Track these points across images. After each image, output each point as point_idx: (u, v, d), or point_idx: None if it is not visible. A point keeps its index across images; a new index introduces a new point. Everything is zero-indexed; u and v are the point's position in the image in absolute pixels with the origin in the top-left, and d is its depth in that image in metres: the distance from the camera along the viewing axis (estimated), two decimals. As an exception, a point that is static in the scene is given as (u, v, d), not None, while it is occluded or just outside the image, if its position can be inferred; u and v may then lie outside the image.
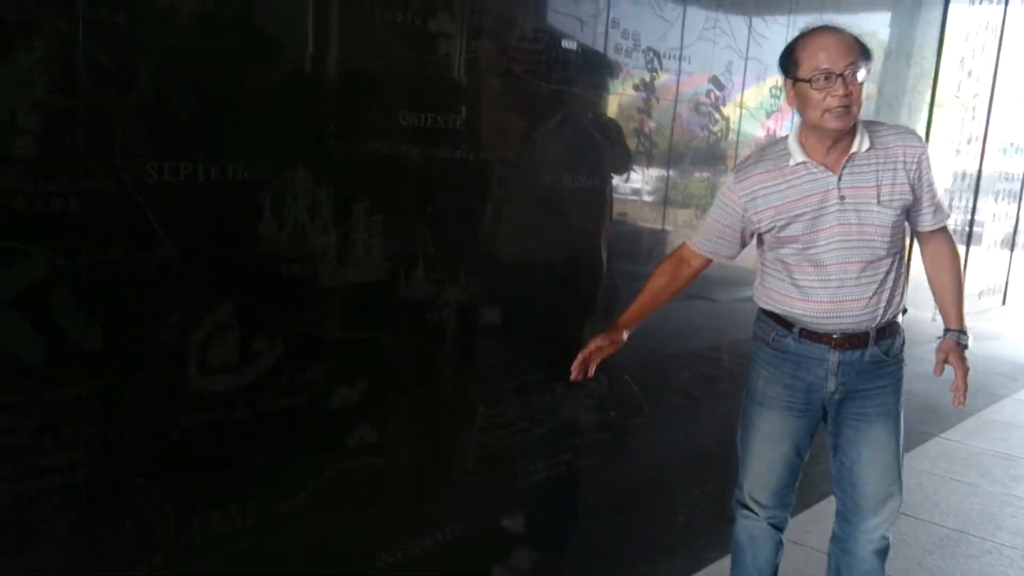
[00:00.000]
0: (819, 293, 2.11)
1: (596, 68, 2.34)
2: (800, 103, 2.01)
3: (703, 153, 2.76)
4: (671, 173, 2.68)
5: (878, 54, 3.60)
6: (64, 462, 1.47)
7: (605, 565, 2.72)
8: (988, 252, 5.17)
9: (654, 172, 2.63)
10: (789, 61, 2.01)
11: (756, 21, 2.83)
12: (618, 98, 2.44)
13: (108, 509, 1.54)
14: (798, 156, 2.07)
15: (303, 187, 1.71)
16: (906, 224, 2.18)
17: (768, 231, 2.12)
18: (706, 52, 2.66)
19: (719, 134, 2.81)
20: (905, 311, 2.27)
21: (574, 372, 2.16)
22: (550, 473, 2.46)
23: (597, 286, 2.50)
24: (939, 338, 2.28)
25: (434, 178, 1.97)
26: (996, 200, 5.12)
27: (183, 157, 1.53)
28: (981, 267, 5.05)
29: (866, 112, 3.41)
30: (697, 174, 2.76)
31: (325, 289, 1.79)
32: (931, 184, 2.15)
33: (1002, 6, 4.47)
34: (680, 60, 2.58)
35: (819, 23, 2.04)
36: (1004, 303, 5.54)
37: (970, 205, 4.71)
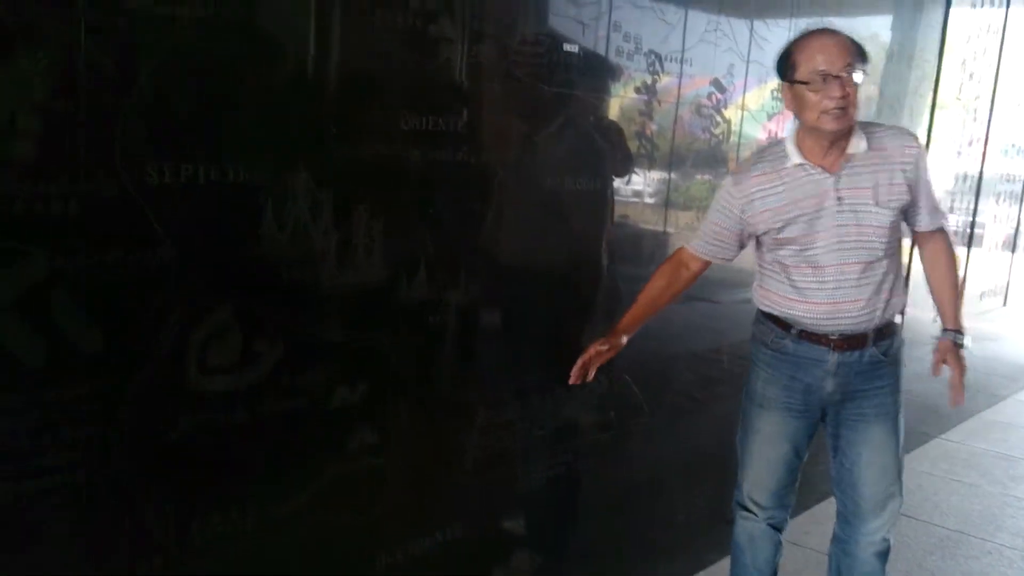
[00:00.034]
0: (817, 294, 2.11)
1: (597, 71, 2.34)
2: (797, 105, 2.02)
3: (705, 156, 2.76)
4: (673, 176, 2.68)
5: (880, 56, 3.60)
6: (64, 463, 1.47)
7: (605, 566, 2.72)
8: (989, 254, 5.16)
9: (656, 175, 2.63)
10: (786, 64, 2.01)
11: (757, 24, 2.83)
12: (619, 101, 2.44)
13: (108, 510, 1.55)
14: (795, 158, 2.07)
15: (304, 189, 1.71)
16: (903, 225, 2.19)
17: (766, 233, 2.12)
18: (707, 55, 2.66)
19: (721, 137, 2.81)
20: (903, 312, 2.28)
21: (573, 377, 2.16)
22: (550, 474, 2.46)
23: (598, 288, 2.50)
24: (936, 338, 2.28)
25: (435, 181, 1.97)
26: (997, 202, 5.12)
27: (183, 159, 1.53)
28: (982, 268, 5.05)
29: (868, 114, 3.42)
30: (699, 176, 2.76)
31: (326, 291, 1.79)
32: (928, 185, 2.15)
33: (1003, 9, 4.47)
34: (681, 63, 2.58)
35: (817, 26, 2.05)
36: (1005, 304, 5.54)
37: (971, 207, 4.71)
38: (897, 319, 2.23)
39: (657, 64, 2.49)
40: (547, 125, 2.24)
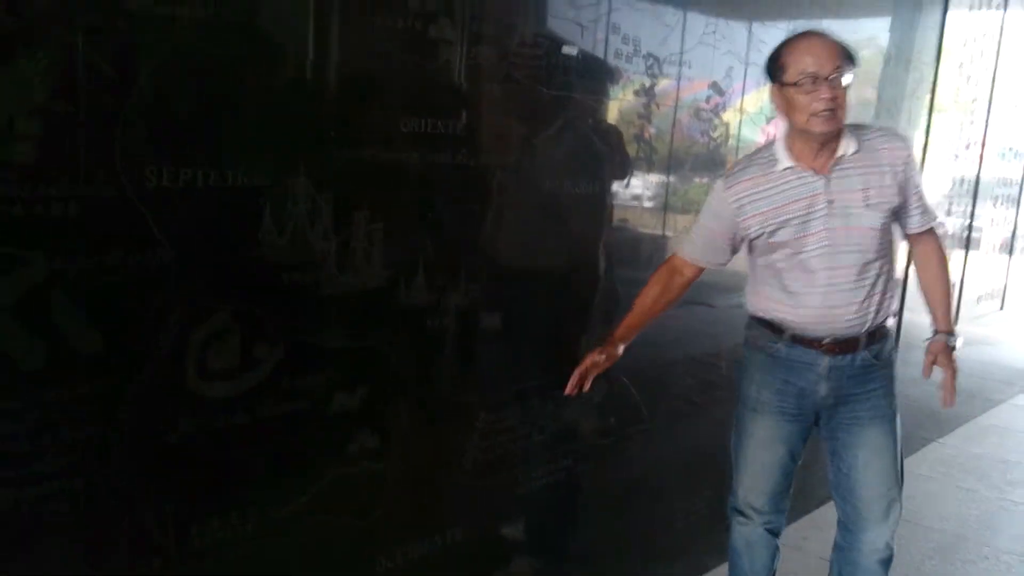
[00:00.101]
0: (810, 299, 2.11)
1: (596, 74, 2.34)
2: (786, 108, 2.02)
3: (703, 159, 2.76)
4: (671, 179, 2.68)
5: (877, 59, 3.61)
6: (63, 465, 1.46)
7: (605, 570, 2.71)
8: (986, 257, 5.17)
9: (654, 178, 2.63)
10: (775, 66, 2.02)
11: (756, 26, 2.83)
12: (618, 104, 2.44)
13: (107, 513, 1.54)
14: (785, 161, 2.07)
15: (303, 193, 1.71)
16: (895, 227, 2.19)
17: (758, 237, 2.12)
18: (706, 57, 2.66)
19: (719, 140, 2.81)
20: (895, 315, 2.28)
21: (569, 386, 2.16)
22: (550, 479, 2.45)
23: (596, 291, 2.50)
24: (927, 339, 2.28)
25: (434, 184, 1.97)
26: (995, 205, 5.13)
27: (183, 162, 1.52)
28: (979, 272, 5.06)
29: (866, 117, 3.42)
30: (697, 180, 2.76)
31: (325, 295, 1.79)
32: (918, 186, 2.16)
33: (1000, 12, 4.48)
34: (680, 65, 2.58)
35: (806, 28, 2.05)
36: (1002, 308, 5.55)
37: (969, 210, 4.72)
38: (889, 322, 2.23)
39: (656, 67, 2.49)
40: (546, 128, 2.24)
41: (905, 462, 2.30)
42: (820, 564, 3.07)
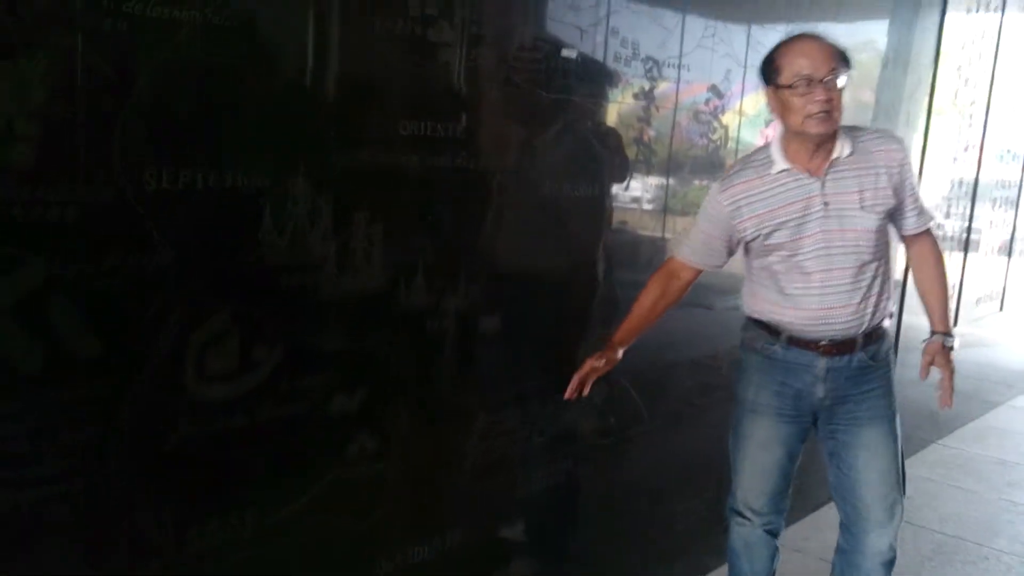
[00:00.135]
0: (806, 301, 2.12)
1: (595, 77, 2.34)
2: (781, 110, 2.03)
3: (702, 161, 2.76)
4: (671, 181, 2.68)
5: (876, 62, 3.61)
6: (62, 469, 1.46)
7: (605, 572, 2.71)
8: (985, 259, 5.17)
9: (654, 180, 2.63)
10: (770, 68, 2.02)
11: (755, 29, 2.83)
12: (618, 107, 2.45)
13: (106, 516, 1.54)
14: (781, 163, 2.07)
15: (303, 195, 1.71)
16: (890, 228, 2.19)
17: (754, 239, 2.12)
18: (705, 60, 2.67)
19: (718, 142, 2.81)
20: (891, 315, 2.28)
21: (569, 391, 2.16)
22: (550, 481, 2.45)
23: (596, 294, 2.50)
24: (924, 340, 2.28)
25: (434, 186, 1.97)
26: (993, 207, 5.13)
27: (182, 164, 1.52)
28: (978, 274, 5.06)
29: (864, 119, 3.43)
30: (697, 182, 2.76)
31: (325, 297, 1.79)
32: (913, 187, 2.16)
33: (998, 14, 4.48)
34: (679, 68, 2.58)
35: (800, 31, 2.06)
36: (1001, 310, 5.55)
37: (967, 212, 4.72)
38: (886, 323, 2.23)
39: (655, 70, 2.50)
40: (545, 131, 2.24)
41: (906, 463, 2.29)
42: (820, 565, 3.07)
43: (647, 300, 2.26)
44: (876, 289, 2.14)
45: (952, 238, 4.59)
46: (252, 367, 1.69)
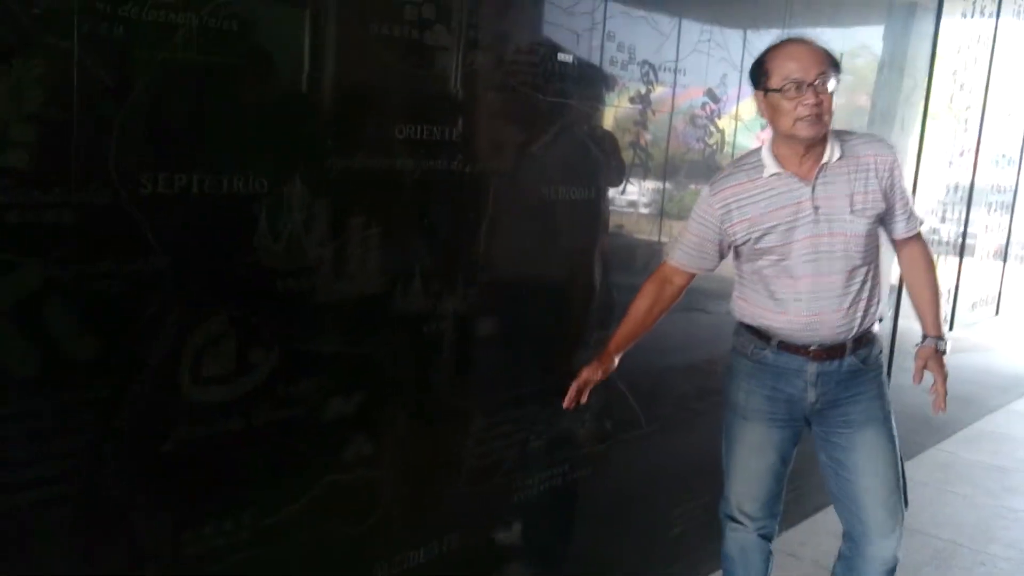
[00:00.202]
0: (796, 305, 2.12)
1: (592, 81, 2.35)
2: (771, 114, 2.03)
3: (699, 165, 2.76)
4: (667, 185, 2.68)
5: (871, 67, 3.62)
6: (58, 472, 1.46)
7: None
8: (981, 263, 5.18)
9: (650, 184, 2.63)
10: (759, 72, 2.03)
11: (750, 33, 2.84)
12: (614, 111, 2.45)
13: (102, 519, 1.54)
14: (771, 167, 2.08)
15: (299, 199, 1.71)
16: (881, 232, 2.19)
17: (744, 243, 2.12)
18: (701, 64, 2.67)
19: (714, 146, 2.82)
20: (881, 320, 2.28)
21: (567, 401, 2.16)
22: (547, 485, 2.45)
23: (593, 297, 2.50)
24: (917, 345, 2.28)
25: (430, 190, 1.97)
26: (989, 211, 5.13)
27: (177, 168, 1.52)
28: (974, 278, 5.06)
29: (860, 124, 3.43)
30: (693, 186, 2.76)
31: (321, 301, 1.79)
32: (903, 191, 2.16)
33: (993, 19, 4.50)
34: (675, 73, 2.59)
35: (789, 35, 2.07)
36: (997, 314, 5.55)
37: (963, 216, 4.73)
38: (876, 327, 2.23)
39: (651, 74, 2.50)
40: (542, 134, 2.24)
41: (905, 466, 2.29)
42: (816, 570, 3.07)
43: (641, 307, 2.25)
44: (866, 294, 2.14)
45: (947, 242, 4.60)
46: (249, 370, 1.69)
